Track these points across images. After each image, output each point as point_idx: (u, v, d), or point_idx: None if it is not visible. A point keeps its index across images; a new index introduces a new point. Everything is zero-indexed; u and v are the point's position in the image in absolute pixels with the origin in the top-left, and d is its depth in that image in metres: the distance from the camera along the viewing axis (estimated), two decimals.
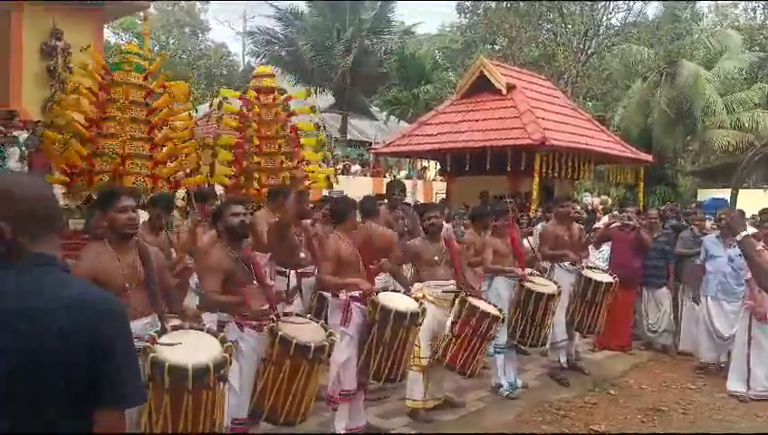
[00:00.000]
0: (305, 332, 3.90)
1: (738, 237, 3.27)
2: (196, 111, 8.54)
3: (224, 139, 8.54)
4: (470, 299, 5.14)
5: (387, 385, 5.14)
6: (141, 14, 13.33)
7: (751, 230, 7.27)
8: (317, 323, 4.19)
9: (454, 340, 5.07)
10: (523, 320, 5.78)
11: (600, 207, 15.08)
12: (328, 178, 9.13)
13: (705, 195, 19.74)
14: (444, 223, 8.01)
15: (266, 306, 4.02)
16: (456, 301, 5.17)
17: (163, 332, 3.24)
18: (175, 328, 3.32)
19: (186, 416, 3.02)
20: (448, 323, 5.11)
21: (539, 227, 8.75)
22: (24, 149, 9.11)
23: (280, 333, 3.75)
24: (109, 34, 27.62)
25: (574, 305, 6.42)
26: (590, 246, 8.33)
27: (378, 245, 5.24)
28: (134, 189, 6.38)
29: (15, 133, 9.28)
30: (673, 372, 7.03)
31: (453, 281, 5.37)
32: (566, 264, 6.63)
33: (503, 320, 5.27)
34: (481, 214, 6.76)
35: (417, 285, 5.28)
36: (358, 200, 5.39)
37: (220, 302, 3.90)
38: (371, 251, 5.11)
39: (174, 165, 7.60)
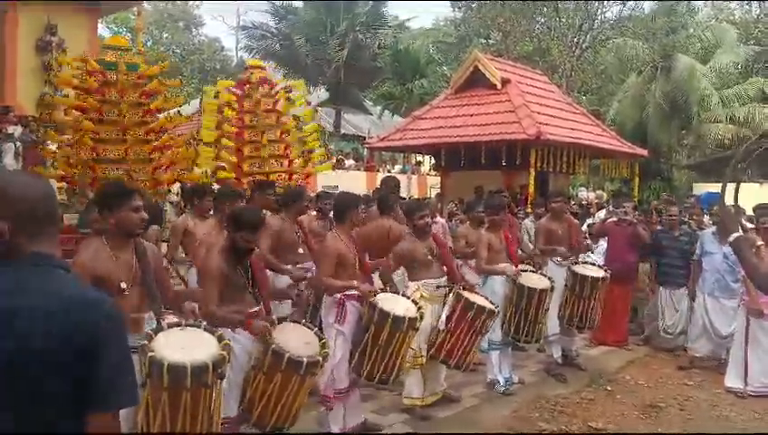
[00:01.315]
0: (299, 343, 3.83)
1: (731, 238, 3.25)
2: (188, 103, 8.58)
3: (225, 127, 8.59)
4: (465, 294, 5.10)
5: (378, 386, 5.12)
6: (135, 9, 13.26)
7: (749, 226, 7.27)
8: (312, 331, 4.10)
9: (449, 336, 5.05)
10: (517, 315, 5.76)
11: (595, 201, 15.09)
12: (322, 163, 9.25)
13: (701, 189, 19.76)
14: (439, 218, 8.08)
15: (257, 308, 3.98)
16: (451, 295, 5.14)
17: (159, 329, 3.22)
18: (171, 326, 3.29)
19: (184, 414, 3.00)
20: (443, 317, 5.09)
21: (527, 223, 8.77)
22: (18, 144, 9.04)
23: (273, 345, 3.68)
24: (102, 29, 27.46)
25: (566, 301, 6.41)
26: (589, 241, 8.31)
27: (393, 241, 5.28)
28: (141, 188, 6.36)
29: (11, 130, 9.21)
30: (670, 367, 7.02)
31: (445, 277, 5.36)
32: (557, 259, 6.65)
33: (497, 314, 5.26)
34: (474, 208, 6.82)
35: (412, 285, 5.23)
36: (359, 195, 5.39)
37: (221, 318, 3.77)
38: (385, 247, 5.14)
39: (170, 173, 7.57)
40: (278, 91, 8.98)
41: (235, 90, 8.92)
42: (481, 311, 5.02)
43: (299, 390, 3.76)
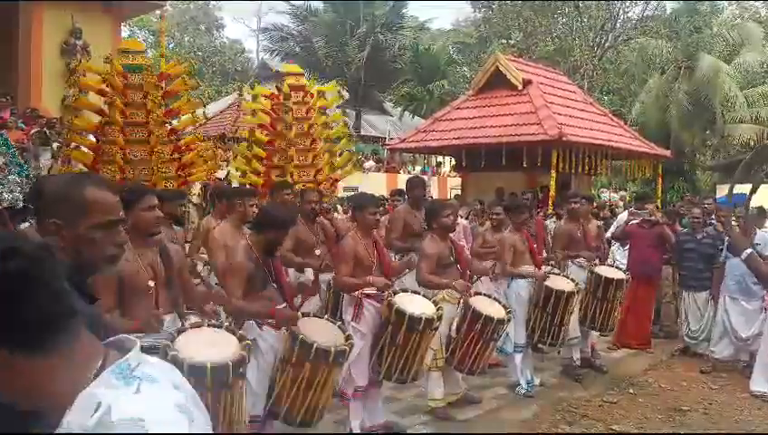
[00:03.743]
0: (325, 334, 3.88)
1: (743, 256, 3.27)
2: (205, 107, 8.67)
3: (257, 135, 8.64)
4: (473, 303, 5.05)
5: (396, 384, 5.11)
6: (158, 12, 13.42)
7: None
8: (335, 324, 4.17)
9: (460, 343, 5.03)
10: (543, 319, 5.74)
11: (620, 202, 14.97)
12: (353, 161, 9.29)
13: (725, 190, 19.49)
14: (460, 220, 8.06)
15: (284, 305, 4.04)
16: (461, 304, 5.12)
17: (182, 330, 3.25)
18: (194, 326, 3.32)
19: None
20: (454, 325, 5.07)
21: (548, 224, 8.70)
22: (55, 145, 9.16)
23: (300, 336, 3.74)
24: (125, 33, 27.76)
25: (586, 302, 6.35)
26: (617, 245, 8.23)
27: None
28: (155, 188, 6.42)
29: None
30: (694, 371, 6.93)
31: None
32: (579, 260, 6.59)
33: (509, 320, 5.19)
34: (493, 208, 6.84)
35: None
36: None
37: (248, 311, 3.88)
38: None
39: (200, 169, 7.68)
40: (311, 99, 9.01)
41: (270, 97, 8.97)
42: (489, 321, 4.95)
43: (327, 380, 3.81)
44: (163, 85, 7.59)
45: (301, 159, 8.48)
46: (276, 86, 8.96)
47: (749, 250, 3.29)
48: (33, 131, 9.29)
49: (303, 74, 9.46)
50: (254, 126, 8.78)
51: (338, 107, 9.57)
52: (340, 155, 9.22)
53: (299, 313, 4.05)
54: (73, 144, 7.42)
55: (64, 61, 11.08)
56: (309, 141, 8.59)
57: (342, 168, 9.20)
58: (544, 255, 6.38)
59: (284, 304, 4.05)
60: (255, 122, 8.74)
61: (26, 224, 3.50)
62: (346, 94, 10.64)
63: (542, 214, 9.89)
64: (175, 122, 7.82)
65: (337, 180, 9.22)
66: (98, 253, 1.77)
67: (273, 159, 8.53)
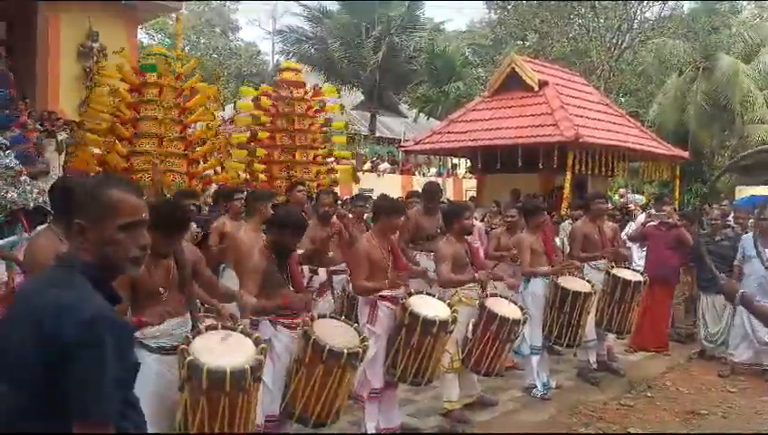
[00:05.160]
0: (339, 336, 3.87)
1: (735, 300, 3.26)
2: (224, 109, 8.78)
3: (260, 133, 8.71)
4: (489, 304, 5.01)
5: (412, 387, 5.09)
6: (174, 15, 13.51)
7: None
8: (351, 325, 4.15)
9: (476, 344, 5.00)
10: (560, 320, 5.69)
11: (640, 204, 14.85)
12: (354, 172, 9.26)
13: (744, 192, 19.26)
14: (475, 221, 8.02)
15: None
16: (477, 304, 5.09)
17: (197, 332, 3.25)
18: (209, 328, 3.32)
19: (222, 417, 3.04)
20: (470, 326, 5.05)
21: (564, 225, 8.63)
22: (61, 140, 9.24)
23: (313, 337, 3.73)
24: (141, 35, 27.97)
25: (603, 304, 6.28)
26: (636, 246, 8.15)
27: None
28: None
29: (58, 134, 9.46)
30: (712, 374, 6.85)
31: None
32: (596, 262, 6.53)
33: (524, 322, 5.14)
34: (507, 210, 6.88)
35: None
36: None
37: (263, 309, 3.89)
38: None
39: (208, 164, 7.72)
40: (312, 95, 9.07)
41: (269, 93, 9.03)
42: (505, 321, 4.91)
43: (340, 381, 3.80)
44: (179, 85, 7.66)
45: (303, 157, 8.52)
46: (277, 82, 9.06)
47: (741, 291, 3.27)
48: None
49: (301, 70, 9.51)
50: (250, 127, 8.85)
51: (353, 108, 9.65)
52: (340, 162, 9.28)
53: (314, 313, 4.06)
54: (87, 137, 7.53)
55: (81, 64, 11.17)
56: (311, 137, 8.65)
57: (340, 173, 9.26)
58: (554, 258, 6.31)
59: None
60: (247, 123, 8.79)
61: (43, 226, 3.51)
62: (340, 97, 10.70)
63: (555, 217, 9.81)
64: (190, 130, 7.90)
65: (336, 183, 9.25)
66: (122, 254, 1.80)
67: (274, 154, 8.57)
